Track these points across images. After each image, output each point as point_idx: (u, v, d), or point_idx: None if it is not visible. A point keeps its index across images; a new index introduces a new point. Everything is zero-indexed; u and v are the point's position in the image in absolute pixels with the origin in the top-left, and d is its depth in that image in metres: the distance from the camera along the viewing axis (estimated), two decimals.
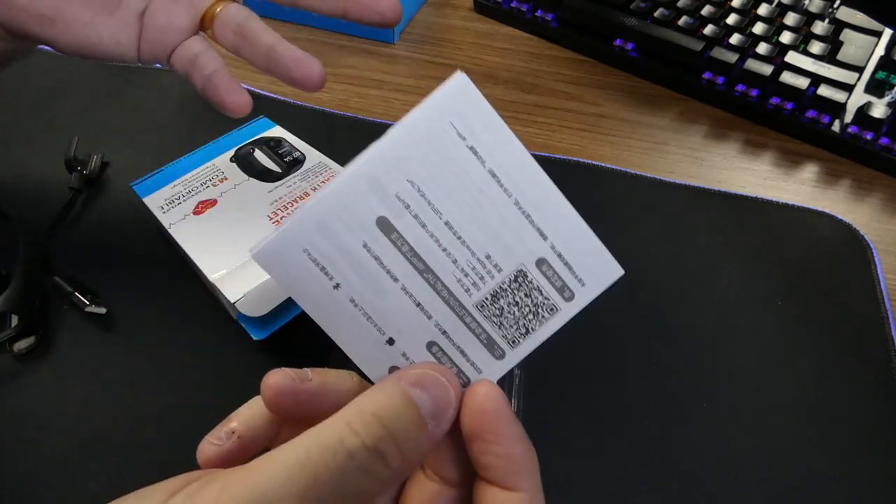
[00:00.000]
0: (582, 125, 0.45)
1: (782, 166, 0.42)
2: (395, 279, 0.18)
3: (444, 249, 0.18)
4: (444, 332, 0.18)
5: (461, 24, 0.54)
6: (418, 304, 0.18)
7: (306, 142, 0.38)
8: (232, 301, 0.29)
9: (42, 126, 0.44)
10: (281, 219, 0.33)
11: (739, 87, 0.44)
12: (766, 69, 0.43)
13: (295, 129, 0.40)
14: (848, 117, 0.42)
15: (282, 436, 0.20)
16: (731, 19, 0.47)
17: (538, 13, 0.52)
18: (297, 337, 0.31)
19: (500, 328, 0.19)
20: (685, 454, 0.28)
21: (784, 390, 0.30)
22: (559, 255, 0.19)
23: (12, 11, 0.28)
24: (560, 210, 0.20)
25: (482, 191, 0.18)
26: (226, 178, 0.36)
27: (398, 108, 0.46)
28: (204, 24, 0.30)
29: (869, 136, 0.41)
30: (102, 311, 0.31)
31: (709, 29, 0.47)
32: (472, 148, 0.17)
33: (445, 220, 0.17)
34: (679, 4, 0.49)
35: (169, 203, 0.34)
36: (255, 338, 0.30)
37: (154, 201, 0.34)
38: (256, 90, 0.46)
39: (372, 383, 0.19)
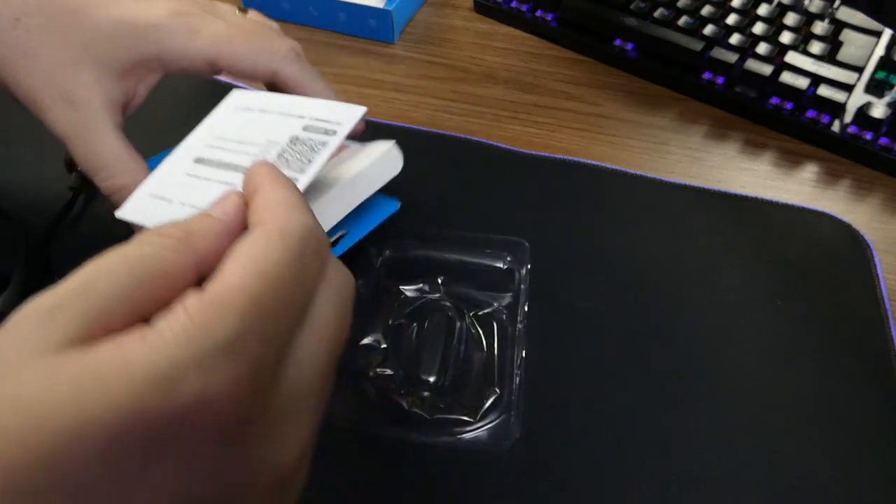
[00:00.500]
0: (582, 125, 0.45)
1: (782, 166, 0.42)
2: (209, 179, 0.26)
3: (237, 152, 0.26)
4: None
5: (461, 24, 0.54)
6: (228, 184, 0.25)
7: None
8: None
9: (42, 126, 0.44)
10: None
11: (739, 87, 0.44)
12: (766, 69, 0.43)
13: None
14: (848, 117, 0.42)
15: None
16: (731, 19, 0.47)
17: (538, 13, 0.52)
18: None
19: (289, 169, 0.24)
20: (685, 454, 0.28)
21: (784, 390, 0.30)
22: (315, 119, 0.27)
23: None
24: (308, 100, 0.29)
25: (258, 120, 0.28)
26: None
27: (398, 107, 0.46)
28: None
29: (869, 136, 0.41)
30: None
31: (709, 29, 0.47)
32: (253, 109, 0.29)
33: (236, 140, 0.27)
34: (679, 4, 0.49)
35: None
36: None
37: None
38: (255, 90, 0.45)
39: None
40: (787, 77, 0.43)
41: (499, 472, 0.27)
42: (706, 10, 0.48)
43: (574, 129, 0.44)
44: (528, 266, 0.34)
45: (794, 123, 0.43)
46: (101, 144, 0.28)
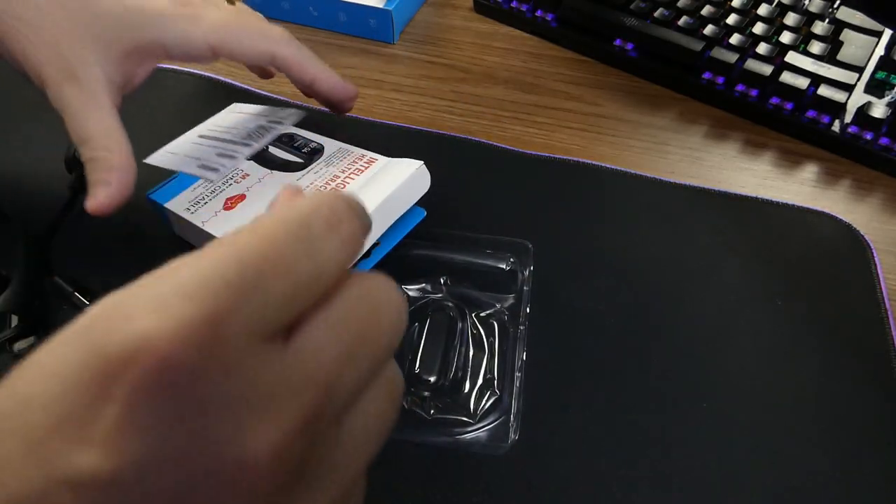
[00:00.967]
0: (582, 125, 0.45)
1: (782, 166, 0.42)
2: (202, 145, 0.34)
3: (225, 133, 0.35)
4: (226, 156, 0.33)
5: (461, 24, 0.54)
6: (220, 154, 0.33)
7: None
8: None
9: (42, 126, 0.44)
10: None
11: (739, 87, 0.44)
12: (766, 69, 0.43)
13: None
14: (848, 117, 0.42)
15: None
16: (731, 19, 0.47)
17: (538, 13, 0.52)
18: None
19: (253, 141, 0.33)
20: (685, 454, 0.28)
21: (784, 390, 0.30)
22: (274, 118, 0.36)
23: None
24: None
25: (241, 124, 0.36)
26: (247, 175, 0.36)
27: (398, 107, 0.46)
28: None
29: (869, 136, 0.41)
30: None
31: (709, 29, 0.47)
32: (240, 112, 0.39)
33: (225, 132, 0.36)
34: (679, 4, 0.49)
35: (194, 204, 0.34)
36: None
37: (178, 205, 0.34)
38: (255, 90, 0.46)
39: None
40: (787, 77, 0.43)
41: (497, 473, 0.27)
42: (706, 10, 0.48)
43: (574, 129, 0.44)
44: (531, 267, 0.33)
45: (794, 123, 0.43)
46: (95, 120, 0.29)
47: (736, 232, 0.37)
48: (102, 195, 0.28)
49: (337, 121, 0.41)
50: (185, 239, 0.36)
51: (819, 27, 0.46)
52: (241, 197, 0.34)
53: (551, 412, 0.29)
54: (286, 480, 0.13)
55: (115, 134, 0.29)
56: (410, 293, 0.33)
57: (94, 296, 0.32)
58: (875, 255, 0.35)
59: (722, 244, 0.36)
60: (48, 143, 0.42)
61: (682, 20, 0.47)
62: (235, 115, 0.38)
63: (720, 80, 0.45)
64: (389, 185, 0.31)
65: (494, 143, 0.42)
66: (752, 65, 0.44)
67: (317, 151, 0.37)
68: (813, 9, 0.47)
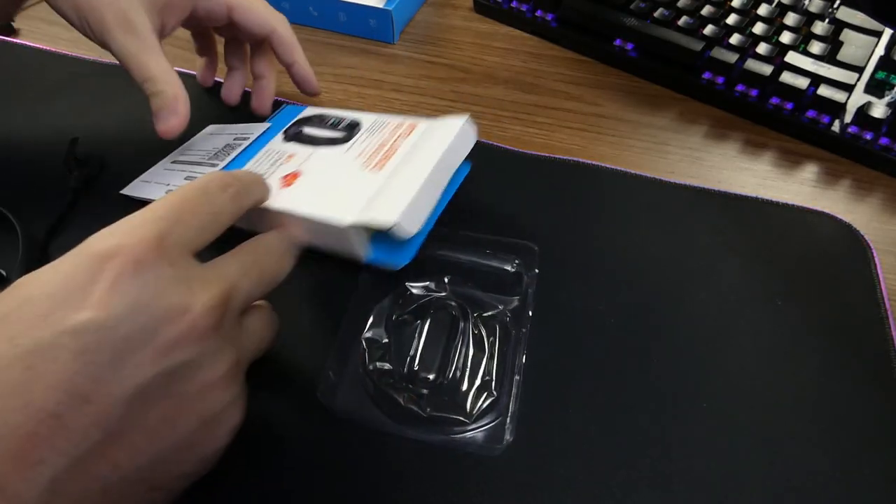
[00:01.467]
0: (582, 125, 0.45)
1: (782, 166, 0.42)
2: (174, 171, 0.38)
3: (194, 155, 0.40)
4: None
5: (461, 24, 0.54)
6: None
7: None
8: (391, 223, 0.28)
9: (42, 126, 0.44)
10: (377, 163, 0.33)
11: (739, 87, 0.44)
12: (766, 69, 0.43)
13: None
14: (848, 117, 0.42)
15: None
16: (731, 19, 0.47)
17: (538, 13, 0.52)
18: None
19: (219, 160, 0.37)
20: (685, 454, 0.28)
21: (784, 390, 0.30)
22: (239, 134, 0.40)
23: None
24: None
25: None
26: (293, 155, 0.36)
27: (398, 108, 0.46)
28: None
29: (869, 136, 0.41)
30: None
31: (709, 29, 0.47)
32: (211, 133, 0.42)
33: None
34: (679, 4, 0.49)
35: None
36: (399, 264, 0.31)
37: None
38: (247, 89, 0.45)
39: None
40: (787, 77, 0.43)
41: (491, 474, 0.27)
42: (706, 10, 0.48)
43: (574, 129, 0.44)
44: (536, 270, 0.33)
45: (794, 123, 0.43)
46: (153, 62, 0.34)
47: (736, 232, 0.37)
48: (174, 120, 0.35)
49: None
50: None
51: (819, 27, 0.46)
52: (297, 174, 0.34)
53: (551, 412, 0.29)
54: (213, 325, 0.22)
55: (171, 72, 0.35)
56: (414, 291, 0.33)
57: None
58: (875, 255, 0.35)
59: (722, 244, 0.36)
60: (48, 143, 0.42)
61: (682, 20, 0.47)
62: (207, 137, 0.41)
63: (720, 80, 0.45)
64: (441, 144, 0.32)
65: (494, 143, 0.42)
66: (752, 65, 0.44)
67: (354, 125, 0.37)
68: (813, 9, 0.47)
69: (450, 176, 0.32)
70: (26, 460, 0.18)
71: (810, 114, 0.42)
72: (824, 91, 0.42)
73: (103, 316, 0.19)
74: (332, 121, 0.38)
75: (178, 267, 0.22)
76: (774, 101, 0.43)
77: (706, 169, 0.41)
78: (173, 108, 0.34)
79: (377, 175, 0.32)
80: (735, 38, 0.46)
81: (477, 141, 0.34)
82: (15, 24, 0.53)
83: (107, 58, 0.45)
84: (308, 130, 0.38)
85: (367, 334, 0.31)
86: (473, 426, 0.28)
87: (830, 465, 0.28)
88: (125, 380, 0.19)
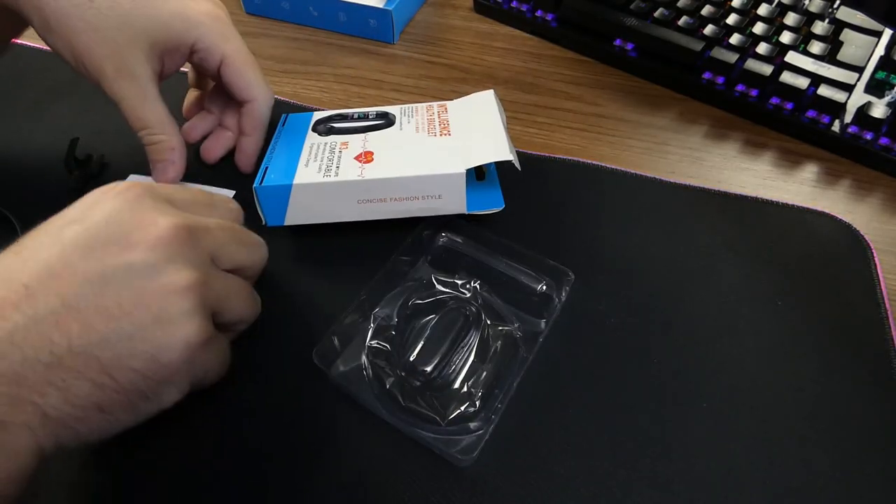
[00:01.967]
0: (582, 125, 0.45)
1: (782, 166, 0.42)
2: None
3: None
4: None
5: (461, 24, 0.54)
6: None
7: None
8: (507, 157, 0.34)
9: (42, 126, 0.44)
10: (442, 130, 0.37)
11: (739, 87, 0.44)
12: (766, 69, 0.43)
13: None
14: (848, 117, 0.42)
15: None
16: (731, 19, 0.47)
17: (538, 13, 0.52)
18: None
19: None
20: (685, 454, 0.28)
21: (784, 390, 0.30)
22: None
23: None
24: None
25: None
26: (346, 143, 0.36)
27: None
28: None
29: (869, 136, 0.41)
30: None
31: (709, 29, 0.47)
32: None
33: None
34: (679, 4, 0.49)
35: (326, 171, 0.34)
36: (499, 205, 0.35)
37: (306, 176, 0.34)
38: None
39: None
40: (787, 77, 0.43)
41: (491, 474, 0.27)
42: (706, 10, 0.48)
43: (574, 129, 0.44)
44: (564, 297, 0.33)
45: (794, 123, 0.43)
46: (150, 110, 0.35)
47: (736, 232, 0.37)
48: (171, 171, 0.36)
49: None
50: (292, 224, 0.35)
51: (819, 27, 0.46)
52: (370, 152, 0.35)
53: (551, 410, 0.29)
54: (176, 240, 0.25)
55: (168, 120, 0.35)
56: (438, 285, 0.33)
57: None
58: (875, 255, 0.35)
59: (722, 244, 0.36)
60: (48, 143, 0.42)
61: (682, 20, 0.47)
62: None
63: (720, 80, 0.45)
64: (491, 105, 0.38)
65: None
66: (752, 65, 0.44)
67: (384, 114, 0.39)
68: (813, 9, 0.47)
69: (507, 137, 0.36)
70: None
71: (810, 114, 0.42)
72: (824, 91, 0.42)
73: (87, 224, 0.24)
74: (356, 115, 0.39)
75: (158, 202, 0.26)
76: (774, 101, 0.43)
77: (706, 169, 0.41)
78: (170, 159, 0.36)
79: (450, 139, 0.36)
80: (735, 38, 0.46)
81: None
82: None
83: None
84: (341, 125, 0.38)
85: (379, 311, 0.32)
86: (446, 429, 0.28)
87: (830, 465, 0.28)
88: (91, 266, 0.23)
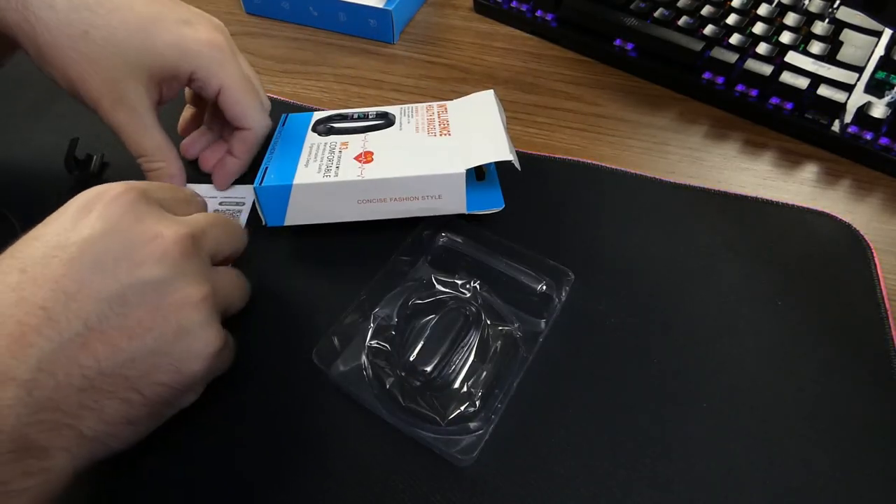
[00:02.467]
0: (582, 125, 0.45)
1: (782, 166, 0.42)
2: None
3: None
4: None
5: (461, 24, 0.54)
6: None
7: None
8: (506, 157, 0.34)
9: (42, 126, 0.44)
10: (441, 130, 0.37)
11: (739, 87, 0.44)
12: (766, 69, 0.43)
13: None
14: (848, 117, 0.42)
15: None
16: (731, 19, 0.47)
17: (538, 13, 0.52)
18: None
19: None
20: (685, 454, 0.28)
21: (784, 390, 0.30)
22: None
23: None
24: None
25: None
26: (347, 143, 0.36)
27: None
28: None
29: (869, 136, 0.41)
30: None
31: (709, 29, 0.47)
32: None
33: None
34: (679, 4, 0.49)
35: (326, 171, 0.34)
36: (499, 205, 0.35)
37: (306, 177, 0.34)
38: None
39: None
40: (787, 77, 0.43)
41: (491, 474, 0.27)
42: (706, 10, 0.48)
43: (574, 129, 0.44)
44: (564, 297, 0.33)
45: (794, 123, 0.43)
46: (148, 138, 0.35)
47: (736, 232, 0.37)
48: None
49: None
50: (292, 224, 0.35)
51: (819, 27, 0.46)
52: (370, 152, 0.35)
53: (551, 410, 0.29)
54: (183, 252, 0.25)
55: (166, 146, 0.36)
56: (438, 285, 0.33)
57: None
58: (875, 255, 0.35)
59: (722, 244, 0.36)
60: (48, 143, 0.42)
61: (682, 20, 0.47)
62: None
63: (720, 80, 0.45)
64: (491, 106, 0.38)
65: None
66: (752, 65, 0.44)
67: (384, 114, 0.39)
68: (813, 9, 0.47)
69: (506, 136, 0.37)
70: (17, 343, 0.21)
71: (810, 114, 0.42)
72: (824, 91, 0.42)
73: (87, 234, 0.24)
74: (356, 115, 0.39)
75: (152, 207, 0.26)
76: (774, 101, 0.43)
77: (706, 169, 0.41)
78: None
79: (450, 138, 0.36)
80: (735, 38, 0.46)
81: None
82: None
83: None
84: (341, 125, 0.38)
85: (379, 311, 0.32)
86: (446, 430, 0.28)
87: (830, 465, 0.28)
88: (106, 284, 0.23)
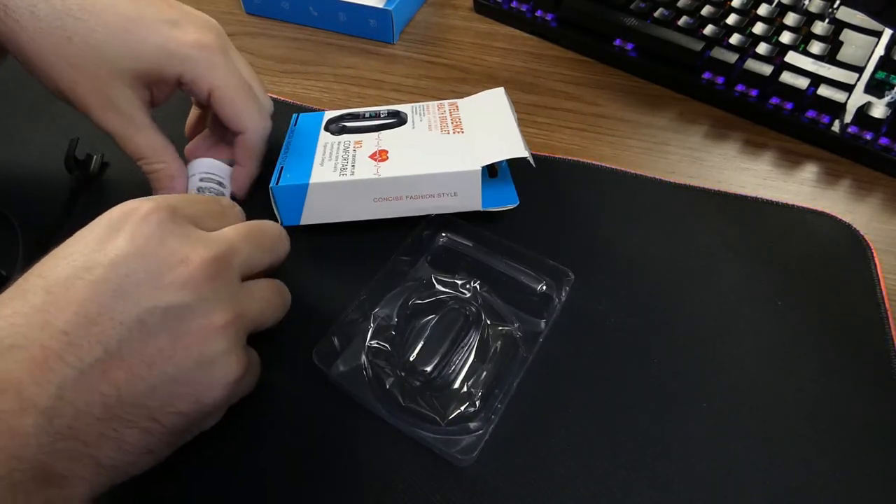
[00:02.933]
0: (582, 125, 0.45)
1: (782, 166, 0.42)
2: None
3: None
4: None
5: (461, 24, 0.54)
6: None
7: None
8: (523, 154, 0.34)
9: (42, 126, 0.44)
10: (455, 128, 0.37)
11: (739, 87, 0.44)
12: (766, 69, 0.43)
13: None
14: (848, 117, 0.42)
15: None
16: (731, 19, 0.47)
17: (538, 13, 0.52)
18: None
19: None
20: (685, 454, 0.28)
21: (784, 390, 0.30)
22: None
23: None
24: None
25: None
26: (360, 142, 0.37)
27: None
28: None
29: (869, 136, 0.41)
30: None
31: (709, 29, 0.47)
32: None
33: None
34: (679, 4, 0.49)
35: (342, 170, 0.34)
36: (513, 202, 0.36)
37: (322, 176, 0.34)
38: None
39: None
40: (787, 77, 0.43)
41: (491, 474, 0.27)
42: (706, 10, 0.48)
43: (574, 129, 0.44)
44: (564, 297, 0.33)
45: (794, 123, 0.43)
46: (141, 139, 0.34)
47: (736, 232, 0.37)
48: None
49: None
50: (308, 223, 0.35)
51: (819, 27, 0.46)
52: (384, 151, 0.35)
53: (551, 410, 0.29)
54: (209, 276, 0.24)
55: (163, 146, 0.35)
56: (438, 285, 0.33)
57: None
58: (875, 255, 0.35)
59: (722, 244, 0.36)
60: (48, 143, 0.42)
61: (682, 20, 0.47)
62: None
63: (720, 80, 0.45)
64: (503, 103, 0.39)
65: None
66: (752, 65, 0.44)
67: (396, 113, 0.39)
68: (813, 9, 0.47)
69: (518, 132, 0.37)
70: (40, 368, 0.21)
71: (810, 114, 0.42)
72: (824, 91, 0.42)
73: (113, 256, 0.23)
74: (368, 114, 0.39)
75: (183, 227, 0.25)
76: (774, 101, 0.43)
77: (706, 169, 0.41)
78: (170, 187, 0.35)
79: (463, 136, 0.36)
80: (735, 38, 0.46)
81: None
82: None
83: None
84: (353, 123, 0.38)
85: (379, 311, 0.32)
86: (446, 430, 0.28)
87: (830, 465, 0.28)
88: (127, 309, 0.22)
